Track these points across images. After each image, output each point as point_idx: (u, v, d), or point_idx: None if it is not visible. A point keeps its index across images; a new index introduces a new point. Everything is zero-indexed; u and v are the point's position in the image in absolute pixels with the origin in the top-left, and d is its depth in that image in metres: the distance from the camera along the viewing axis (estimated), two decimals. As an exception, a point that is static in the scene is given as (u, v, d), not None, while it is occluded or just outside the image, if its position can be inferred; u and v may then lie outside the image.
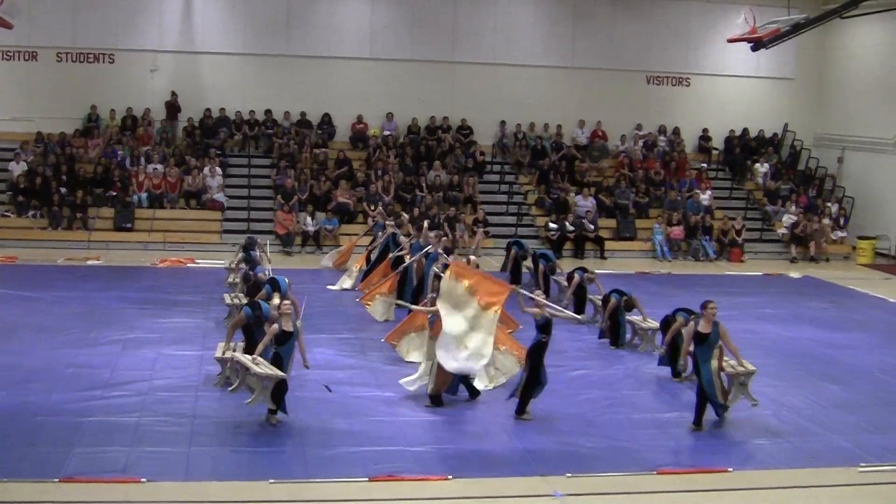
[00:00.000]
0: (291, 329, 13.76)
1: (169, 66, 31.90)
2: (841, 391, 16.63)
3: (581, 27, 33.95)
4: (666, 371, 16.99)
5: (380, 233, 24.37)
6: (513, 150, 33.38)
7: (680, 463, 12.83)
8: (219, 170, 30.15)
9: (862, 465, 12.92)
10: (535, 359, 13.98)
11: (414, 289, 20.78)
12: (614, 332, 18.95)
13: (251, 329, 15.28)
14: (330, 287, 22.53)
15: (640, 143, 34.20)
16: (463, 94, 33.37)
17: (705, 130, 34.94)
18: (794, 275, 27.22)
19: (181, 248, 27.39)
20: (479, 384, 15.10)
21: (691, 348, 14.59)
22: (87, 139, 30.87)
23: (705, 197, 31.97)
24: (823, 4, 31.41)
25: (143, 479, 11.55)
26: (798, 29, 28.58)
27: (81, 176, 29.32)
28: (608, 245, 30.12)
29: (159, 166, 29.92)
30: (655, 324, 18.40)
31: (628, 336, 19.01)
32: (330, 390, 14.66)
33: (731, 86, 35.09)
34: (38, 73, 31.11)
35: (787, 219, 31.52)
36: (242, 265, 20.34)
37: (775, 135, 35.46)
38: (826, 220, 31.68)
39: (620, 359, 17.89)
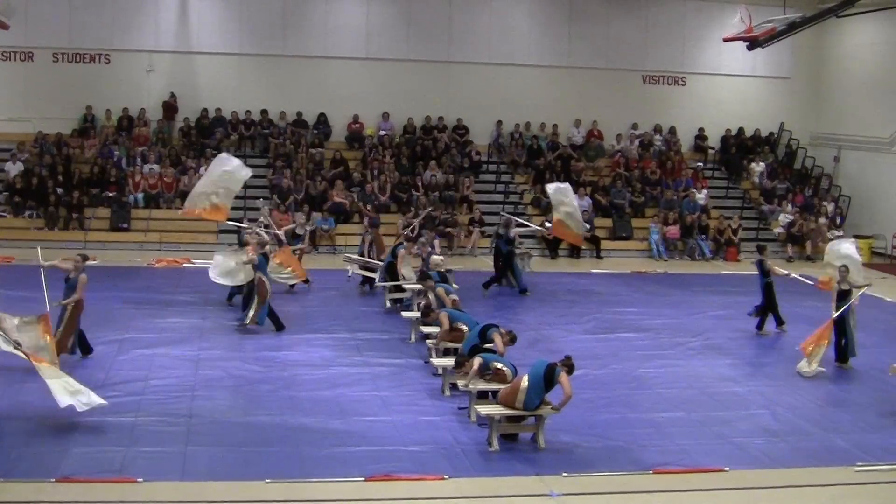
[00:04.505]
0: None
1: (165, 67, 31.91)
2: (837, 390, 16.69)
3: (576, 27, 33.97)
4: (664, 371, 17.09)
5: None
6: (509, 150, 33.38)
7: (676, 462, 12.82)
8: (214, 169, 30.11)
9: (858, 464, 12.93)
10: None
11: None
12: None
13: None
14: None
15: (636, 142, 34.21)
16: (459, 93, 33.39)
17: (701, 130, 34.96)
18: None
19: (177, 248, 27.37)
20: None
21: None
22: (84, 139, 30.86)
23: (701, 196, 31.98)
24: (819, 3, 31.42)
25: (139, 479, 11.55)
26: (794, 28, 28.63)
27: (78, 176, 29.32)
28: (604, 245, 30.11)
29: (155, 166, 29.92)
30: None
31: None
32: None
33: (727, 85, 35.12)
34: (34, 73, 31.11)
35: (784, 218, 31.56)
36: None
37: (771, 134, 35.52)
38: (822, 220, 31.71)
39: (616, 358, 17.90)
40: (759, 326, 20.41)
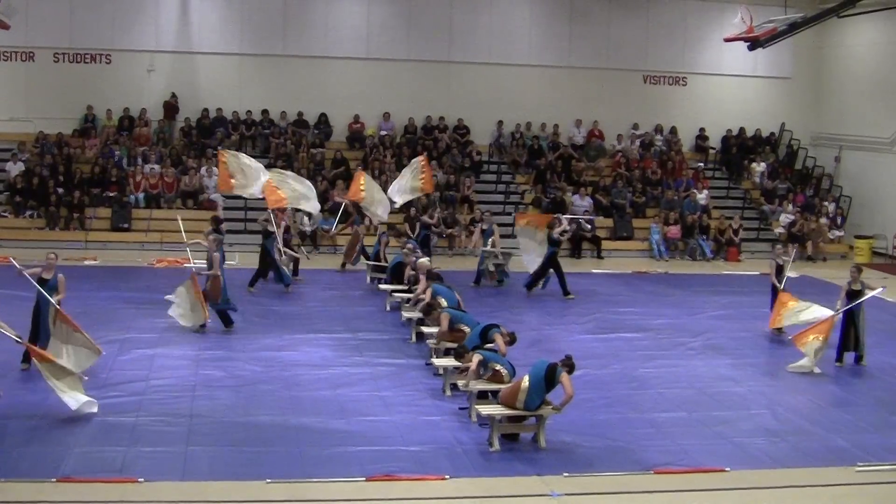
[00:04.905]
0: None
1: (165, 67, 31.93)
2: (838, 390, 16.69)
3: (577, 27, 33.97)
4: (664, 371, 17.10)
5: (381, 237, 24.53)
6: (509, 150, 33.39)
7: (677, 462, 12.82)
8: (216, 170, 30.09)
9: (859, 464, 12.93)
10: None
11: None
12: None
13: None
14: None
15: (637, 142, 34.22)
16: (459, 93, 33.39)
17: (702, 130, 34.96)
18: (792, 274, 27.26)
19: (178, 248, 27.31)
20: None
21: None
22: (84, 139, 30.88)
23: (702, 196, 31.98)
24: (820, 3, 31.44)
25: (140, 479, 11.56)
26: (795, 28, 28.62)
27: (78, 176, 29.33)
28: (605, 245, 30.11)
29: (156, 166, 29.93)
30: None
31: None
32: None
33: (728, 85, 35.13)
34: (35, 73, 31.14)
35: (784, 218, 31.56)
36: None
37: (772, 134, 35.51)
38: (823, 220, 31.73)
39: (617, 358, 17.90)
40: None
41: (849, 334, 18.02)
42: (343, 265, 25.58)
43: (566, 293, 23.29)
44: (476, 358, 13.98)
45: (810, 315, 18.70)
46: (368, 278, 23.87)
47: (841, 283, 24.28)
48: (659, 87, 34.84)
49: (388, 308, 21.01)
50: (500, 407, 13.11)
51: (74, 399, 13.43)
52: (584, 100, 34.08)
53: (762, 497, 12.07)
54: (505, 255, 24.89)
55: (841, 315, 17.94)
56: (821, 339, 17.41)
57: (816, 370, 17.31)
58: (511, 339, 15.12)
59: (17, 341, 14.31)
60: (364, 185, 25.02)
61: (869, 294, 18.11)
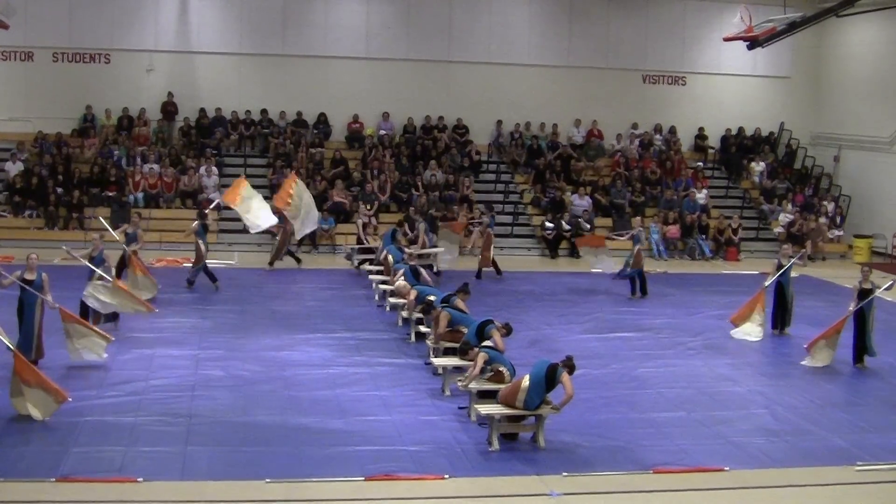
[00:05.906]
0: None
1: (165, 66, 31.93)
2: (837, 390, 16.69)
3: (577, 26, 33.97)
4: (664, 371, 17.10)
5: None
6: (509, 150, 33.39)
7: (676, 462, 12.81)
8: (215, 169, 30.15)
9: (858, 463, 12.92)
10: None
11: None
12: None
13: None
14: None
15: (636, 142, 34.22)
16: (459, 93, 33.40)
17: (701, 129, 34.97)
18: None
19: (177, 247, 27.32)
20: None
21: None
22: (84, 139, 30.88)
23: (701, 196, 31.98)
24: (819, 3, 31.42)
25: (139, 479, 11.55)
26: (794, 27, 28.63)
27: (77, 176, 29.33)
28: (604, 244, 30.07)
29: (155, 166, 29.93)
30: None
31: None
32: None
33: (727, 84, 35.13)
34: (34, 73, 31.15)
35: (784, 217, 31.55)
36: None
37: (771, 133, 35.52)
38: (822, 219, 31.71)
39: (616, 358, 17.90)
40: (783, 326, 20.38)
41: (862, 335, 17.94)
42: (271, 263, 25.54)
43: (644, 292, 23.89)
44: (482, 356, 13.94)
45: (756, 331, 19.48)
46: (377, 296, 22.56)
47: (839, 282, 24.40)
48: (658, 86, 34.85)
49: (388, 308, 21.00)
50: (500, 406, 13.11)
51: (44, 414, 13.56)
52: (584, 99, 34.10)
53: (761, 497, 12.07)
54: (426, 254, 24.97)
55: (853, 317, 17.85)
56: (827, 342, 17.51)
57: (819, 364, 17.41)
58: (507, 331, 15.12)
59: (8, 348, 14.30)
60: (292, 194, 23.91)
61: (878, 291, 18.02)
